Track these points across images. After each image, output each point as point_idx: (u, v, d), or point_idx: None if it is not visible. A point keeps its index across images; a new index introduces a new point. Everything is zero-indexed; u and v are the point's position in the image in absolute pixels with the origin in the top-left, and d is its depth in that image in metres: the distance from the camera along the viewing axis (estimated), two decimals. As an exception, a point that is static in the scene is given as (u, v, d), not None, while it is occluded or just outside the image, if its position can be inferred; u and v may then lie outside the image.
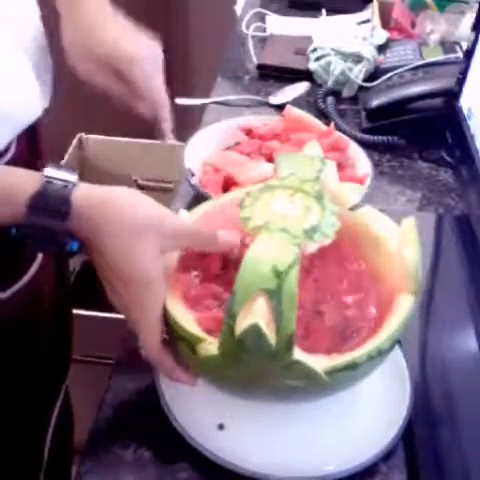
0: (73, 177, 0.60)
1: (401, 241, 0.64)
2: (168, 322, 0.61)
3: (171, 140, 0.84)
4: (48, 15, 0.80)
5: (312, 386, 0.59)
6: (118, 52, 0.78)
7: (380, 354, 0.60)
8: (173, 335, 0.62)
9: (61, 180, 0.59)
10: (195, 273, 0.64)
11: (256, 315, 0.54)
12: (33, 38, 0.76)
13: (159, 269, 0.60)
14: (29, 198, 0.58)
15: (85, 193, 0.60)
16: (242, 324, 0.54)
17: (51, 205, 0.58)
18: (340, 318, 0.62)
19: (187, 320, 0.60)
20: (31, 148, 0.79)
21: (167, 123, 0.83)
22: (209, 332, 0.59)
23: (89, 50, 0.78)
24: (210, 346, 0.58)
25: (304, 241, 0.58)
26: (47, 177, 0.59)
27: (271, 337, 0.54)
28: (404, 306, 0.62)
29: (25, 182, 0.59)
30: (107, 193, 0.61)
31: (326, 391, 0.62)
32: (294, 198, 0.62)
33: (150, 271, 0.60)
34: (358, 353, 0.59)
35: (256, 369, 0.58)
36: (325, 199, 0.62)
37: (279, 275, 0.55)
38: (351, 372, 0.59)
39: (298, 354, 0.56)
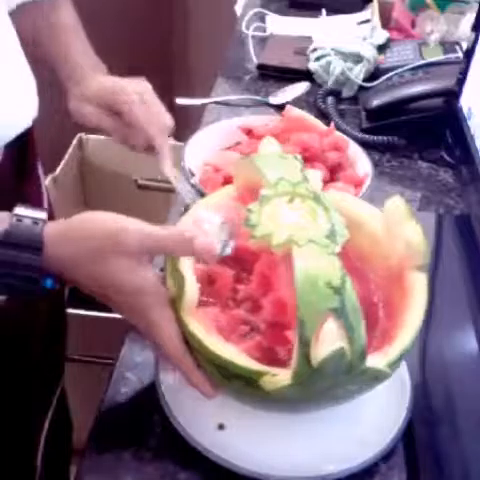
0: (42, 214, 0.60)
1: (392, 220, 0.65)
2: (214, 362, 0.59)
3: (171, 177, 0.85)
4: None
5: (375, 384, 0.60)
6: (115, 96, 0.83)
7: (417, 336, 0.61)
8: (224, 374, 0.59)
9: (30, 218, 0.59)
10: (211, 304, 0.63)
11: (333, 338, 0.53)
12: (13, 51, 0.76)
13: (139, 278, 0.59)
14: (0, 235, 0.57)
15: (54, 229, 0.59)
16: (320, 351, 0.54)
17: (23, 241, 0.57)
18: None
19: (238, 357, 0.58)
20: (20, 156, 0.79)
21: (167, 160, 0.84)
22: (258, 361, 0.58)
23: (84, 95, 0.84)
24: (276, 378, 0.56)
25: (332, 247, 0.58)
26: (17, 215, 0.59)
27: (349, 355, 0.54)
28: (419, 284, 0.63)
29: None
30: (69, 225, 0.60)
31: (380, 383, 0.62)
32: (294, 204, 0.62)
33: (132, 283, 0.59)
34: (406, 340, 0.60)
35: (327, 386, 0.57)
36: (322, 198, 0.62)
37: (338, 291, 0.55)
38: (401, 360, 0.61)
39: (368, 361, 0.56)
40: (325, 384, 0.57)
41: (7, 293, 0.63)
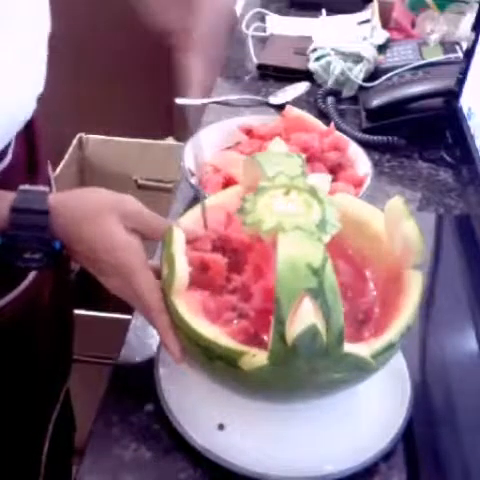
0: (45, 188, 0.65)
1: (391, 219, 0.65)
2: (199, 343, 0.60)
3: None
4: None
5: (359, 374, 0.60)
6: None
7: (408, 330, 0.61)
8: (207, 355, 0.60)
9: (35, 190, 0.65)
10: (203, 289, 0.64)
11: (308, 316, 0.54)
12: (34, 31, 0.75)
13: (130, 237, 0.64)
14: (10, 201, 0.63)
15: (58, 196, 0.66)
16: (294, 328, 0.54)
17: (31, 205, 0.63)
18: (348, 305, 0.63)
19: (221, 337, 0.59)
20: (29, 152, 0.79)
21: None
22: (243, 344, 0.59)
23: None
24: (255, 358, 0.57)
25: (320, 235, 0.59)
26: (22, 190, 0.65)
27: (324, 335, 0.54)
28: (414, 282, 0.63)
29: (3, 193, 0.64)
30: (71, 193, 0.67)
31: (369, 375, 0.62)
32: (290, 196, 0.63)
33: (123, 238, 0.64)
34: (392, 333, 0.60)
35: (306, 370, 0.57)
36: (318, 191, 0.63)
37: (317, 272, 0.55)
38: (389, 352, 0.61)
39: (347, 346, 0.57)
40: (302, 365, 0.56)
41: (22, 261, 0.66)
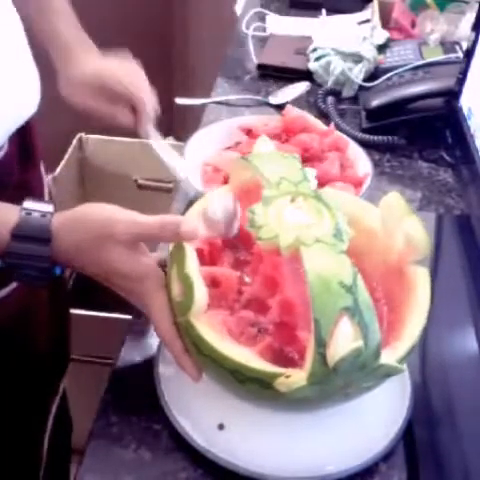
0: (49, 207, 0.63)
1: (390, 215, 0.65)
2: (226, 366, 0.58)
3: (154, 136, 0.88)
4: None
5: (385, 380, 0.60)
6: (105, 72, 0.85)
7: (424, 329, 0.62)
8: (238, 378, 0.59)
9: (39, 211, 0.63)
10: (217, 306, 0.63)
11: (349, 337, 0.53)
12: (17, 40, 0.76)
13: (137, 263, 0.62)
14: (11, 228, 0.61)
15: (60, 221, 0.63)
16: (337, 350, 0.53)
17: (33, 232, 0.61)
18: None
19: (252, 359, 0.58)
20: (23, 149, 0.79)
21: (150, 122, 0.87)
22: (270, 363, 0.58)
23: (73, 75, 0.86)
24: (291, 379, 0.56)
25: (340, 245, 0.58)
26: (25, 209, 0.62)
27: (363, 352, 0.54)
28: (422, 278, 0.63)
29: (5, 215, 0.62)
30: (73, 216, 0.64)
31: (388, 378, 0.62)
32: (297, 203, 0.62)
33: (131, 267, 0.62)
34: (413, 336, 0.60)
35: (341, 385, 0.57)
36: (323, 196, 0.63)
37: (350, 289, 0.55)
38: (410, 355, 0.61)
39: (382, 358, 0.57)
40: (340, 383, 0.57)
41: (19, 281, 0.67)
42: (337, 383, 0.56)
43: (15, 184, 0.77)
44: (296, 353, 0.60)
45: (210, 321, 0.60)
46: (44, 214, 0.62)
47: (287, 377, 0.56)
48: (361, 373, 0.56)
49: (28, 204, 0.63)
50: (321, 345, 0.54)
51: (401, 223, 0.64)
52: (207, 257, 0.66)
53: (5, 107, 0.70)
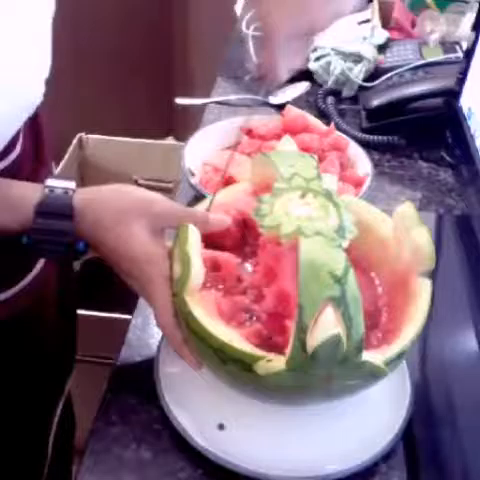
0: (72, 184, 0.65)
1: (401, 225, 0.65)
2: (212, 344, 0.59)
3: None
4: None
5: (371, 381, 0.60)
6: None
7: (418, 338, 0.62)
8: (221, 357, 0.59)
9: (61, 188, 0.65)
10: (215, 289, 0.64)
11: (330, 325, 0.54)
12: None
13: (154, 247, 0.64)
14: (35, 205, 0.63)
15: (83, 197, 0.65)
16: (316, 336, 0.54)
17: (56, 209, 0.63)
18: None
19: (235, 340, 0.59)
20: (35, 145, 0.80)
21: None
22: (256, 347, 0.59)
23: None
24: (271, 363, 0.56)
25: (340, 241, 0.59)
26: (48, 186, 0.64)
27: (344, 344, 0.54)
28: (424, 290, 0.63)
29: (29, 192, 0.65)
30: (98, 192, 0.66)
31: (378, 381, 0.62)
32: (306, 199, 0.63)
33: (145, 250, 0.64)
34: (404, 342, 0.60)
35: (322, 376, 0.57)
36: (334, 195, 0.63)
37: (339, 281, 0.55)
38: (400, 359, 0.61)
39: (364, 355, 0.57)
40: (319, 373, 0.56)
41: (45, 257, 0.69)
42: (317, 372, 0.56)
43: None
44: (284, 342, 0.60)
45: (203, 299, 0.61)
46: (66, 191, 0.64)
47: (268, 361, 0.57)
48: (343, 368, 0.56)
49: (51, 182, 0.65)
50: (302, 331, 0.54)
51: (410, 233, 0.64)
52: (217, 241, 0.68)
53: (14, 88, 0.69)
